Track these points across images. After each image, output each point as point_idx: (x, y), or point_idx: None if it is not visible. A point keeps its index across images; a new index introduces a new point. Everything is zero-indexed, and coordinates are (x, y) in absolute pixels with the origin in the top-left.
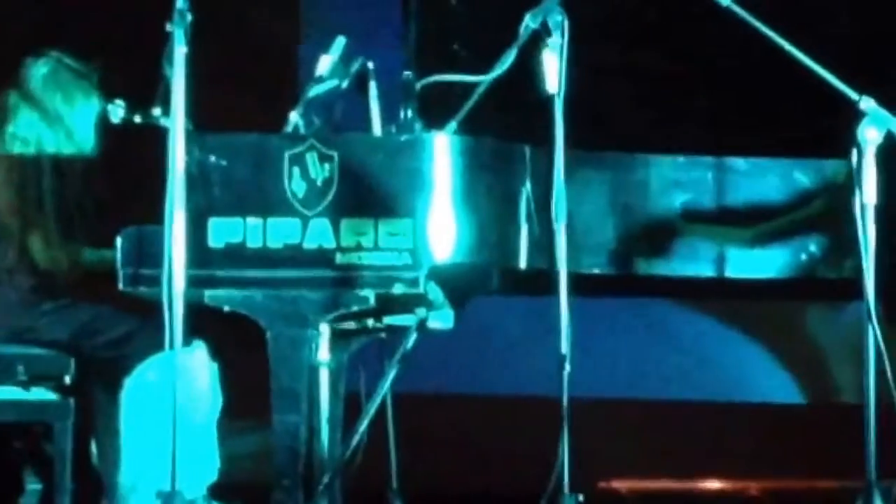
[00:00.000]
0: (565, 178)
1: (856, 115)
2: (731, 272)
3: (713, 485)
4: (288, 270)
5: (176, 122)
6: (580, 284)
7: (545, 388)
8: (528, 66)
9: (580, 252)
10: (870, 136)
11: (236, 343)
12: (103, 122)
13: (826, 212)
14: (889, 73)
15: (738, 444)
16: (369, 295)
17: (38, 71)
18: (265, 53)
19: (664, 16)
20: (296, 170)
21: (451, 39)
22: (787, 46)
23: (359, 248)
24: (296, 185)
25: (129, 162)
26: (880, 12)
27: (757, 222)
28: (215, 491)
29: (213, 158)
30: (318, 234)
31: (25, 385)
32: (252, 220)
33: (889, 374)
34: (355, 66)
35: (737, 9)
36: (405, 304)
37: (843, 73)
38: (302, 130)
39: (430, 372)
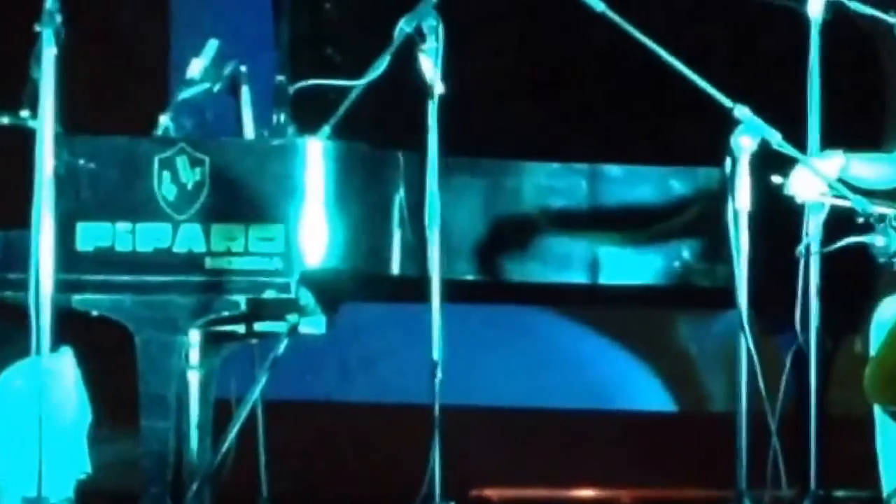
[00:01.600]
0: (439, 184)
1: (730, 123)
2: (604, 279)
3: (585, 493)
4: (157, 275)
5: (44, 125)
6: (453, 291)
7: (417, 395)
8: (404, 71)
9: (453, 259)
10: (744, 143)
11: (105, 348)
12: None
13: (700, 219)
14: (765, 81)
15: (610, 452)
16: (240, 300)
17: None
18: (135, 54)
19: (540, 21)
20: (166, 174)
21: (324, 43)
22: (663, 54)
23: (229, 253)
24: (166, 190)
25: None
26: (756, 21)
27: (631, 229)
28: (84, 498)
29: (81, 161)
30: (188, 238)
31: None
32: (121, 225)
33: (761, 383)
34: (228, 70)
35: (612, 15)
36: (276, 309)
37: (718, 82)
38: (173, 134)
39: (302, 378)
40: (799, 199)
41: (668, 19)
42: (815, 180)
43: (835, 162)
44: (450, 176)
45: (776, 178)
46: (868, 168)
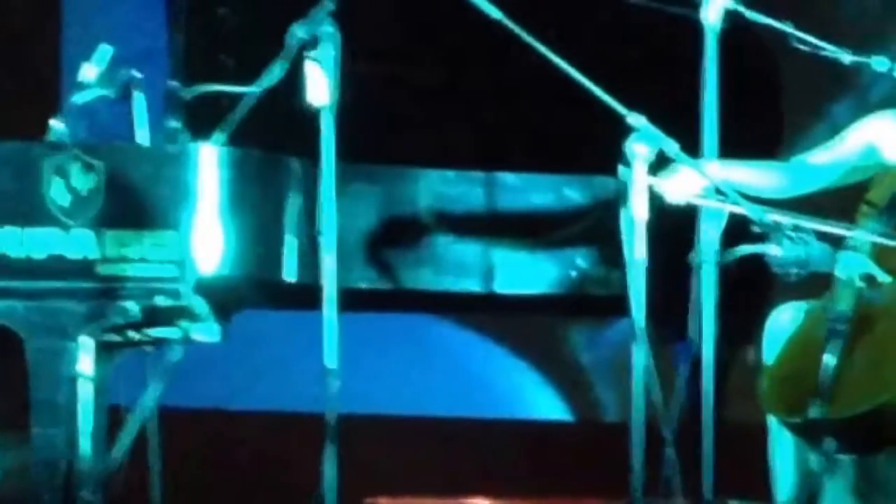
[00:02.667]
0: (335, 191)
1: (626, 130)
2: (499, 287)
3: (480, 502)
4: (50, 281)
5: None
6: (348, 299)
7: (312, 403)
8: (298, 78)
9: (349, 266)
10: (639, 151)
11: None
12: None
13: (595, 228)
14: (664, 90)
15: (505, 461)
16: (133, 307)
17: None
18: (27, 59)
19: (437, 28)
20: (58, 179)
21: (218, 50)
22: (559, 61)
23: (123, 259)
24: (58, 195)
25: None
26: (652, 28)
27: (526, 238)
28: None
29: None
30: (81, 244)
31: None
32: (12, 230)
33: (656, 392)
34: (121, 76)
35: (508, 23)
36: (170, 316)
37: (614, 89)
38: (66, 140)
39: (195, 386)
40: (668, 200)
41: (565, 27)
42: (689, 183)
43: (712, 166)
44: (344, 183)
45: (651, 179)
46: (751, 175)
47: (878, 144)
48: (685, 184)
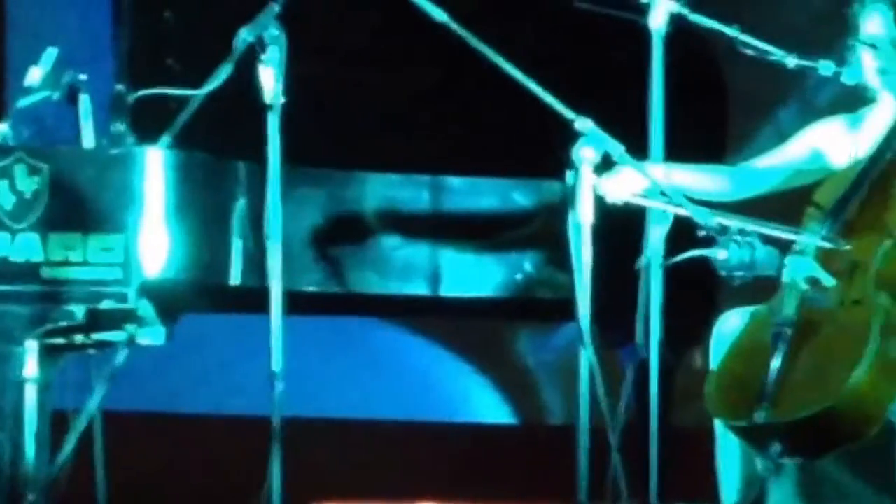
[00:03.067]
0: (280, 194)
1: (573, 135)
2: (445, 291)
3: None
4: None
5: None
6: (294, 302)
7: (258, 406)
8: (245, 81)
9: (295, 269)
10: (586, 155)
11: None
12: None
13: (542, 231)
14: (606, 94)
15: (451, 464)
16: (78, 310)
17: None
18: None
19: (382, 30)
20: (3, 182)
21: (165, 53)
22: (505, 65)
23: (68, 262)
24: (2, 198)
25: None
26: (598, 33)
27: (473, 241)
28: None
29: None
30: (25, 247)
31: None
32: None
33: (602, 396)
34: (67, 78)
35: (454, 26)
36: (115, 319)
37: (561, 94)
38: (11, 142)
39: (141, 389)
40: (609, 199)
41: (512, 31)
42: (629, 183)
43: (656, 169)
44: (291, 186)
45: (592, 178)
46: (696, 178)
47: (824, 149)
48: (625, 183)
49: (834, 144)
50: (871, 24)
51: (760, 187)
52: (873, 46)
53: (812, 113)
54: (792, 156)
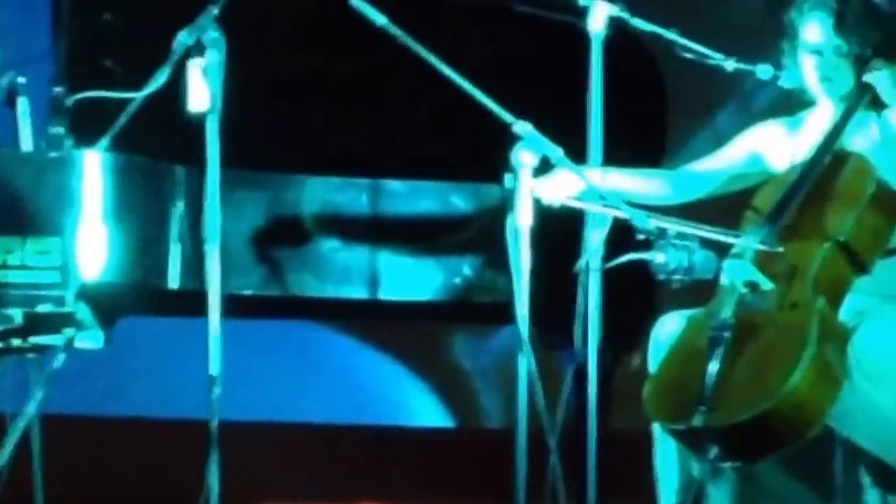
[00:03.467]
0: (219, 198)
1: (511, 138)
2: (384, 294)
3: None
4: None
5: None
6: (232, 305)
7: (196, 410)
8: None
9: (233, 273)
10: (525, 159)
11: None
12: None
13: (481, 235)
14: (545, 97)
15: (390, 468)
16: (15, 314)
17: None
18: None
19: (323, 34)
20: None
21: (104, 55)
22: (445, 69)
23: (5, 266)
24: None
25: None
26: (538, 36)
27: (411, 245)
28: None
29: None
30: None
31: None
32: None
33: (540, 399)
34: (5, 81)
35: (394, 29)
36: (53, 323)
37: (500, 97)
38: None
39: (79, 393)
40: (544, 202)
41: (451, 35)
42: (564, 185)
43: (594, 173)
44: (229, 189)
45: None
46: (634, 181)
47: (763, 152)
48: (560, 185)
49: (773, 148)
50: (811, 30)
51: (699, 191)
52: (819, 53)
53: (751, 116)
54: (730, 159)
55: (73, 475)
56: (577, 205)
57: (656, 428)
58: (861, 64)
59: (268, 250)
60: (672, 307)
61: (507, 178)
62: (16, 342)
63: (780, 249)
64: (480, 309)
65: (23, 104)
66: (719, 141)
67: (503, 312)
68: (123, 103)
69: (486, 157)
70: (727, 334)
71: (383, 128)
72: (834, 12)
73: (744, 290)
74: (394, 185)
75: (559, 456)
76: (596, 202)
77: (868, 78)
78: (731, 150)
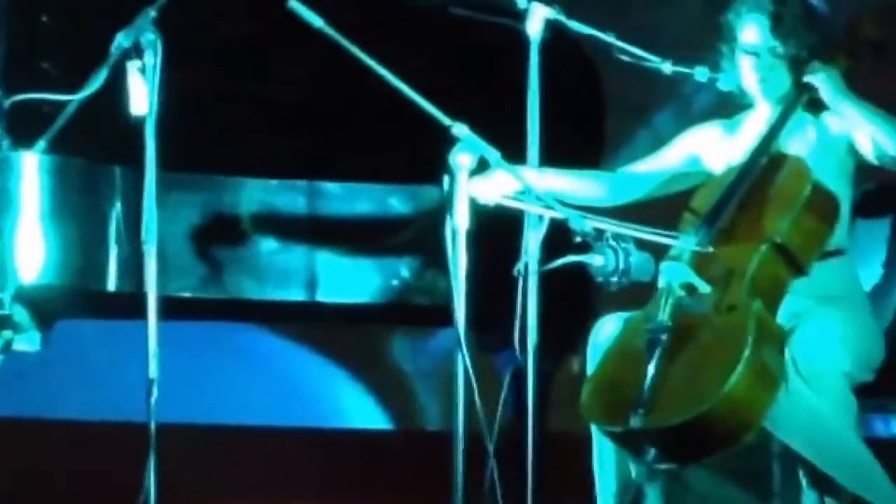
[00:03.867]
0: (157, 200)
1: (449, 140)
2: (322, 296)
3: None
4: None
5: None
6: (171, 308)
7: (135, 412)
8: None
9: (171, 275)
10: (462, 161)
11: None
12: None
13: (419, 237)
14: (483, 99)
15: (328, 470)
16: None
17: None
18: None
19: (261, 36)
20: None
21: (41, 57)
22: (382, 71)
23: None
24: None
25: None
26: (476, 38)
27: (350, 247)
28: None
29: None
30: None
31: None
32: None
33: (478, 402)
34: None
35: (330, 32)
36: None
37: (438, 100)
38: None
39: (16, 395)
40: (480, 201)
41: (389, 37)
42: (498, 184)
43: (529, 173)
44: (167, 191)
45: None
46: (570, 182)
47: (701, 154)
48: (496, 185)
49: (710, 149)
50: (748, 32)
51: (636, 192)
52: (755, 55)
53: (690, 117)
54: (668, 161)
55: (10, 477)
56: (513, 204)
57: (594, 430)
58: (797, 65)
59: (206, 252)
60: (610, 309)
61: (445, 180)
62: None
63: (710, 250)
64: (419, 311)
65: None
66: (658, 142)
67: (441, 314)
68: (61, 105)
69: (423, 160)
70: (664, 337)
71: (321, 130)
72: (771, 14)
73: (681, 292)
74: (331, 187)
75: (497, 458)
76: (532, 202)
77: (807, 79)
78: (668, 153)
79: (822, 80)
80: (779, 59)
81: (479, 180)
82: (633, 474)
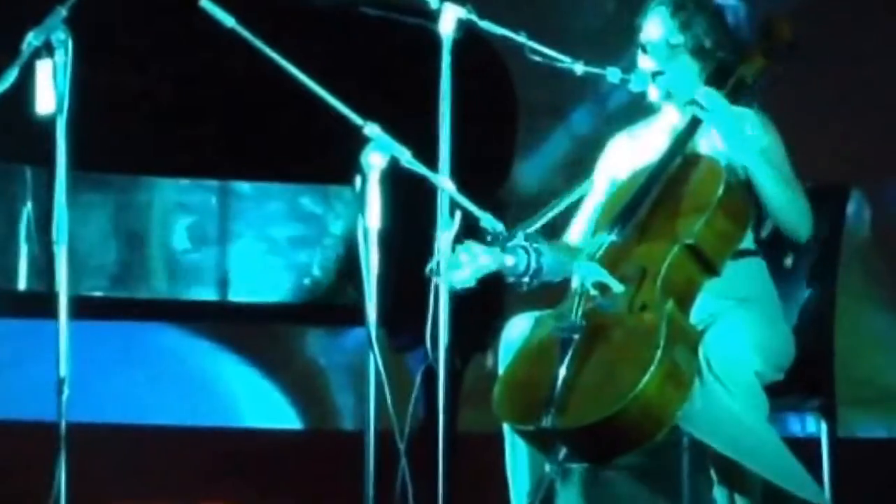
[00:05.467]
0: (67, 199)
1: (361, 140)
2: (234, 296)
3: None
4: None
5: None
6: (82, 307)
7: (44, 412)
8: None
9: (82, 274)
10: (374, 161)
11: None
12: None
13: (331, 237)
14: (395, 99)
15: (240, 469)
16: None
17: None
18: None
19: (173, 36)
20: None
21: None
22: (295, 71)
23: None
24: None
25: None
26: (390, 38)
27: (261, 246)
28: None
29: None
30: None
31: None
32: None
33: (389, 401)
34: None
35: (243, 31)
36: None
37: (350, 100)
38: None
39: None
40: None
41: (302, 37)
42: (472, 264)
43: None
44: (78, 191)
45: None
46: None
47: (615, 173)
48: (471, 269)
49: (623, 164)
50: (650, 27)
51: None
52: (644, 50)
53: (607, 115)
54: (597, 198)
55: None
56: (492, 264)
57: (507, 429)
58: (703, 59)
59: (117, 252)
60: (522, 308)
61: (357, 180)
62: None
63: (607, 241)
64: (331, 310)
65: None
66: (574, 140)
67: (354, 314)
68: None
69: (335, 160)
70: (577, 336)
71: (233, 130)
72: (673, 3)
73: (594, 291)
74: (243, 186)
75: (409, 458)
76: (510, 251)
77: (697, 95)
78: (594, 195)
79: (706, 100)
80: (679, 48)
81: (454, 272)
82: (547, 472)
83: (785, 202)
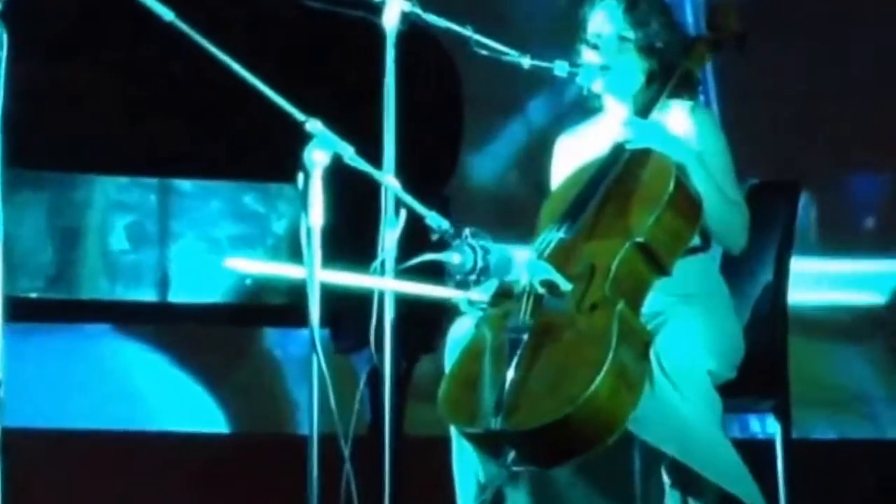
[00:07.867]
0: (2, 198)
1: (303, 137)
2: (174, 297)
3: None
4: None
5: None
6: (17, 308)
7: None
8: None
9: (17, 275)
10: (317, 158)
11: None
12: None
13: (274, 236)
14: (338, 95)
15: (180, 475)
16: None
17: None
18: None
19: (112, 31)
20: None
21: None
22: (235, 66)
23: None
24: None
25: None
26: (333, 32)
27: (202, 246)
28: None
29: None
30: None
31: None
32: None
33: (333, 404)
34: None
35: (182, 25)
36: None
37: (293, 95)
38: None
39: None
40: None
41: (243, 31)
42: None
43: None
44: (13, 189)
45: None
46: None
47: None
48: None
49: (571, 163)
50: (600, 21)
51: None
52: (595, 47)
53: (562, 107)
54: None
55: None
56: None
57: (452, 430)
58: (649, 56)
59: (54, 252)
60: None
61: (300, 177)
62: None
63: (546, 254)
64: (273, 311)
65: None
66: (531, 133)
67: (297, 315)
68: None
69: (277, 157)
70: (525, 336)
71: (172, 126)
72: (625, 1)
73: (542, 290)
74: (184, 184)
75: (354, 462)
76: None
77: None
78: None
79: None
80: (629, 44)
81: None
82: (494, 475)
83: (717, 214)
